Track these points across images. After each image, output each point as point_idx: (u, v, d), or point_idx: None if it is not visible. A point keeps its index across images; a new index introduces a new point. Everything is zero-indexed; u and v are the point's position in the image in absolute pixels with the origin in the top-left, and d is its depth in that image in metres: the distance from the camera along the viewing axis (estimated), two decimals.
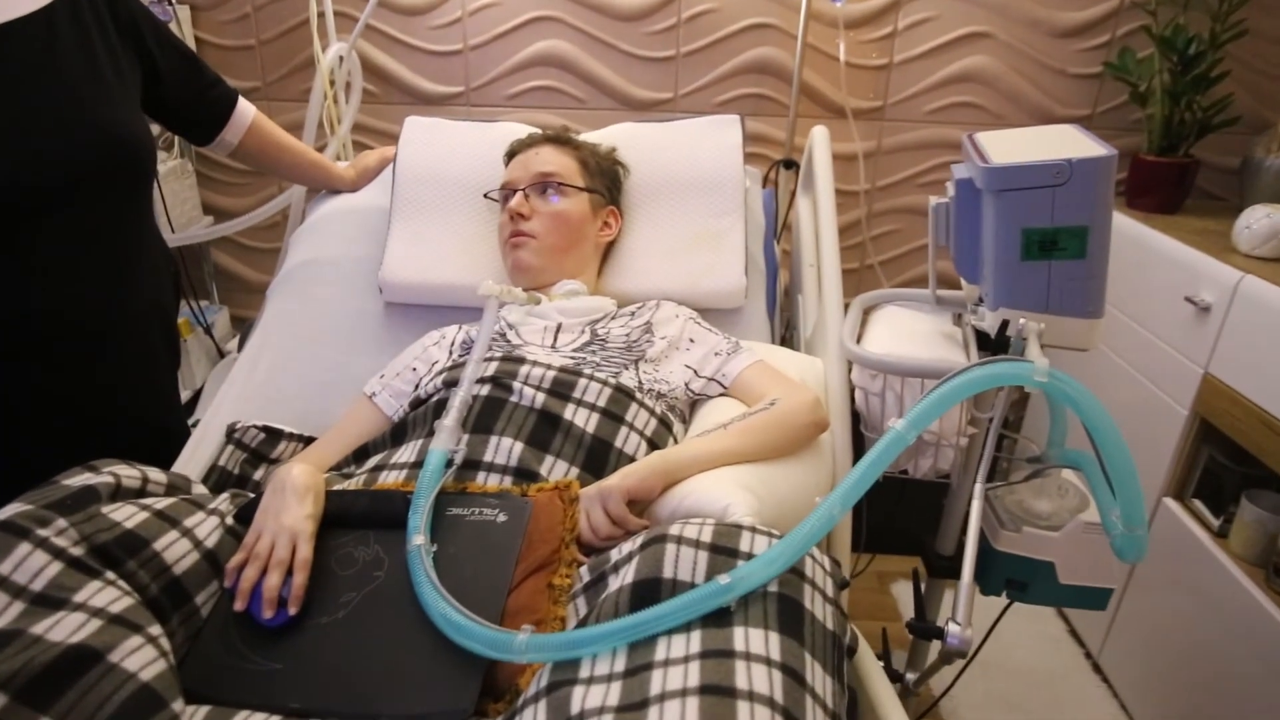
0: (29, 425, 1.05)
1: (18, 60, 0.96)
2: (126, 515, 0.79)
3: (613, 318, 1.14)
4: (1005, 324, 0.91)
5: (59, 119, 0.98)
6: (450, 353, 1.13)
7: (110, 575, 0.74)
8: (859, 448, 1.09)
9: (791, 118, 1.75)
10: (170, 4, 1.77)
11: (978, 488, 0.89)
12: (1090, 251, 0.88)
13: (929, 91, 1.81)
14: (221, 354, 1.96)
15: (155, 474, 0.89)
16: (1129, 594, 1.55)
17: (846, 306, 1.17)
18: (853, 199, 1.88)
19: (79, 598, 0.70)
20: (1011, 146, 0.96)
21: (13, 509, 0.74)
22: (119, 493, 0.83)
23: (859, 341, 1.08)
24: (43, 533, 0.72)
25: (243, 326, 2.02)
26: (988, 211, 0.93)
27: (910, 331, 1.08)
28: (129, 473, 0.86)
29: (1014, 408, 1.89)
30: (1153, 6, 1.61)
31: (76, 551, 0.73)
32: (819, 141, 1.33)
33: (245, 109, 1.26)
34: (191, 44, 1.81)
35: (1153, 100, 1.64)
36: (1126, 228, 1.61)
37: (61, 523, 0.74)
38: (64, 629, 0.67)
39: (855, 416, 1.08)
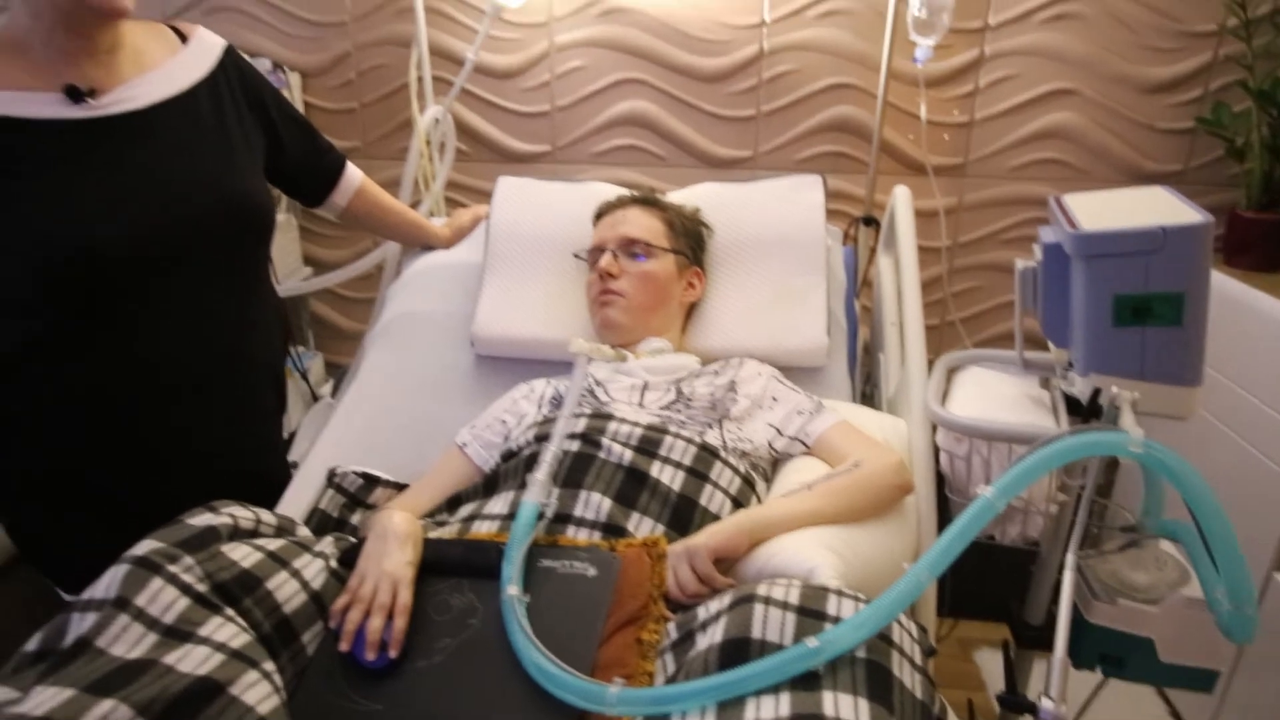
0: (150, 461, 1.13)
1: (167, 133, 1.07)
2: (243, 555, 0.85)
3: (697, 376, 1.17)
4: (1097, 391, 0.90)
5: (196, 185, 1.08)
6: (539, 406, 1.17)
7: (230, 612, 0.79)
8: (944, 511, 1.08)
9: (871, 175, 1.77)
10: (283, 72, 1.92)
11: (1070, 558, 0.87)
12: (1186, 319, 0.86)
13: (1012, 148, 1.80)
14: (316, 398, 2.06)
15: (266, 515, 0.95)
16: (1238, 676, 1.46)
17: (930, 364, 1.17)
18: (933, 255, 1.88)
19: (204, 632, 0.75)
20: (1100, 210, 0.96)
21: (147, 546, 0.80)
22: (236, 533, 0.89)
23: (944, 403, 1.07)
24: (173, 569, 0.78)
25: (336, 372, 2.12)
26: (1077, 277, 0.92)
27: (997, 394, 1.08)
28: (244, 514, 0.92)
29: (1105, 472, 1.83)
30: (1249, 60, 1.59)
31: (201, 588, 0.78)
32: (901, 202, 1.34)
33: (353, 174, 1.36)
34: (300, 107, 1.95)
35: (1250, 155, 1.60)
36: (1225, 287, 1.56)
37: (189, 560, 0.80)
38: (191, 661, 0.72)
39: (940, 479, 1.07)
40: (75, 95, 1.01)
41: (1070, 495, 0.99)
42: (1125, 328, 0.89)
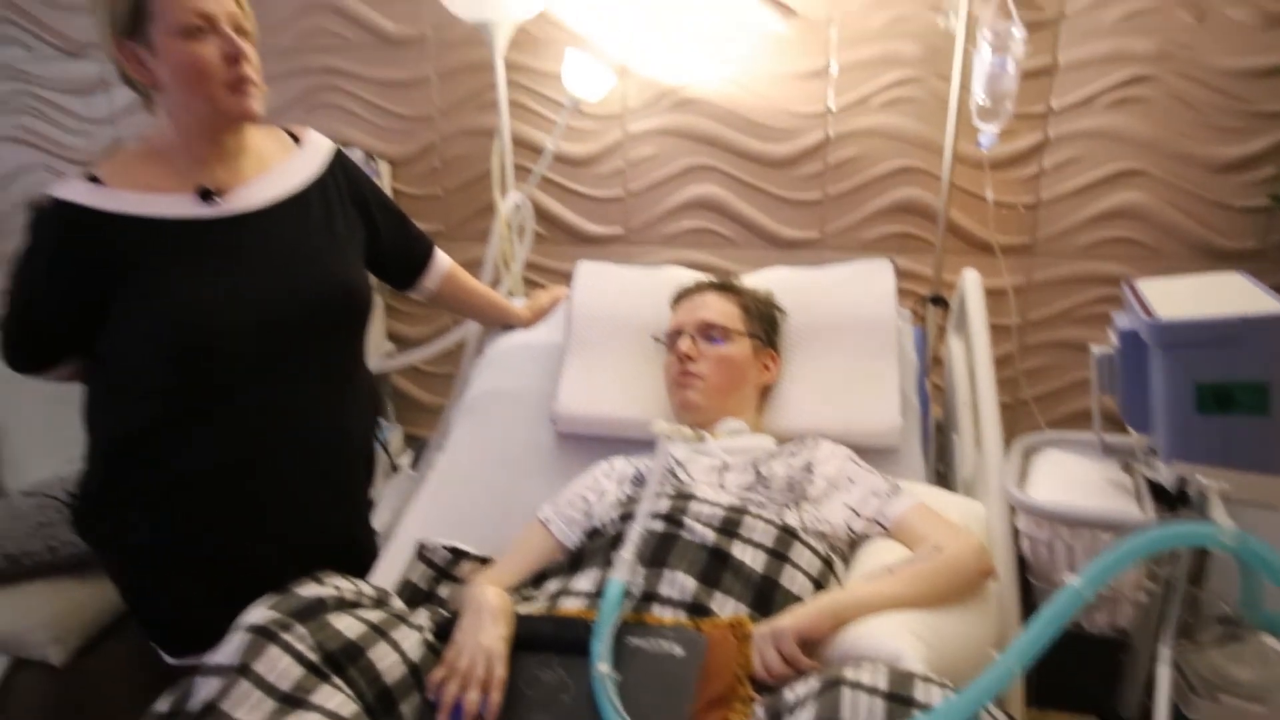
0: (252, 531, 1.21)
1: (282, 230, 1.18)
2: (347, 625, 0.90)
3: (774, 457, 1.20)
4: (1184, 480, 0.90)
5: (306, 277, 1.18)
6: (619, 484, 1.21)
7: (337, 680, 0.84)
8: (1027, 596, 1.07)
9: (938, 255, 1.80)
10: (374, 161, 2.06)
11: (1164, 650, 0.86)
12: (1273, 407, 0.87)
13: (1081, 227, 1.82)
14: (395, 468, 2.13)
15: (365, 587, 1.00)
16: None
17: (1006, 446, 1.17)
18: (1003, 333, 1.89)
19: (316, 699, 0.80)
20: (1176, 297, 0.97)
21: (264, 615, 0.86)
22: (340, 604, 0.94)
23: (1022, 486, 1.08)
24: (287, 638, 0.83)
25: (415, 444, 2.20)
26: (1156, 365, 0.94)
27: (1077, 478, 1.08)
28: (346, 585, 0.97)
29: (1196, 559, 1.78)
30: None
31: (312, 657, 0.83)
32: (972, 286, 1.37)
33: (441, 259, 1.45)
34: (389, 193, 2.08)
35: None
36: None
37: (301, 629, 0.85)
38: None
39: (1022, 564, 1.07)
40: (206, 196, 1.13)
41: (1160, 584, 0.98)
42: (1209, 415, 0.89)
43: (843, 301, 1.37)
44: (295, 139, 1.27)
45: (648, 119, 1.92)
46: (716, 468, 1.17)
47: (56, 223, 1.09)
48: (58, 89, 2.22)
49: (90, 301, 1.11)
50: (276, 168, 1.21)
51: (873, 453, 1.29)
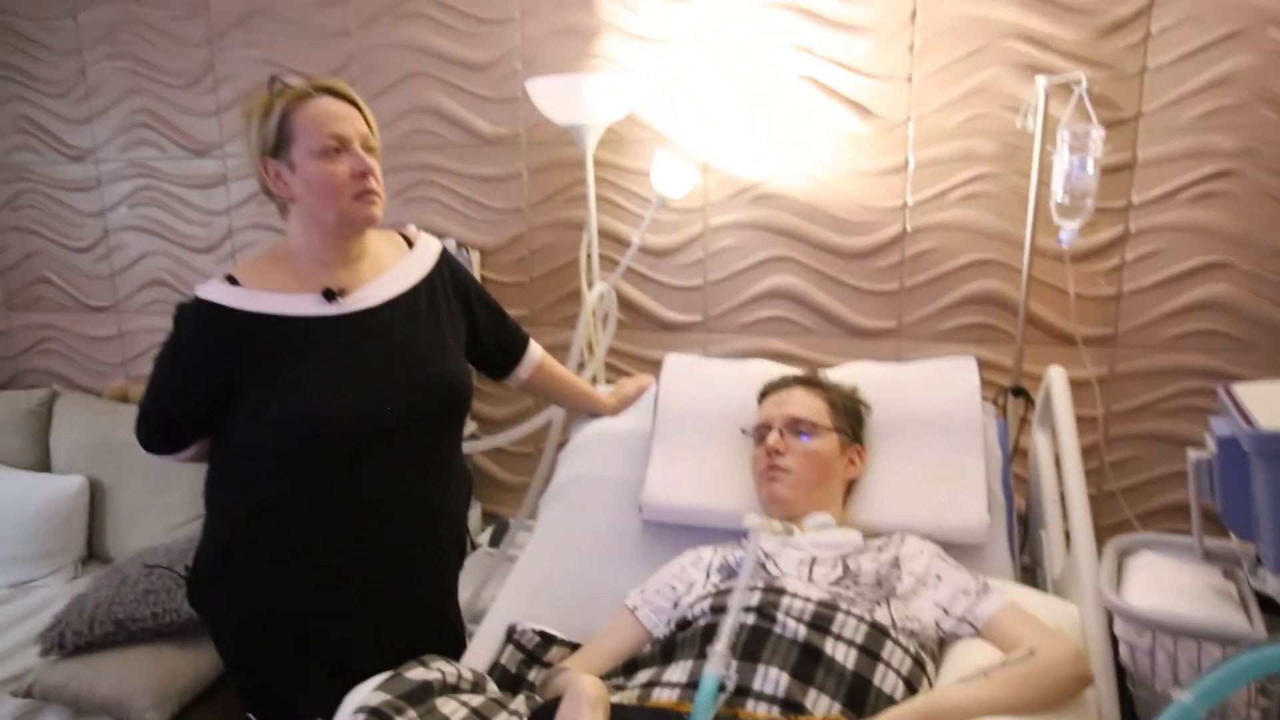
0: (352, 606, 1.27)
1: (394, 327, 1.28)
2: (452, 710, 0.94)
3: (862, 551, 1.21)
4: None
5: (413, 371, 1.28)
6: (707, 574, 1.24)
7: None
8: (1126, 706, 1.04)
9: (1018, 347, 1.80)
10: (465, 250, 2.18)
11: None
12: None
13: (1165, 320, 1.80)
14: (473, 545, 2.18)
15: (464, 671, 1.04)
16: None
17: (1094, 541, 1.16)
18: (1087, 423, 1.86)
19: None
20: (1276, 403, 0.97)
21: (375, 697, 0.91)
22: (444, 687, 0.98)
23: (1118, 589, 1.07)
24: None
25: (492, 521, 2.26)
26: (1259, 474, 0.93)
27: (1177, 584, 1.06)
28: (448, 669, 1.01)
29: None
30: None
31: None
32: (1058, 383, 1.38)
33: (534, 350, 1.54)
34: (478, 280, 2.19)
35: None
36: None
37: (412, 713, 0.90)
38: None
39: (1120, 671, 1.05)
40: (329, 296, 1.24)
41: (1274, 700, 0.95)
42: None
43: (928, 397, 1.39)
44: (408, 242, 1.38)
45: (728, 212, 2.00)
46: (805, 561, 1.19)
47: (198, 319, 1.21)
48: (182, 184, 2.43)
49: (222, 390, 1.22)
50: (391, 269, 1.32)
51: (959, 549, 1.29)
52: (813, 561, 1.19)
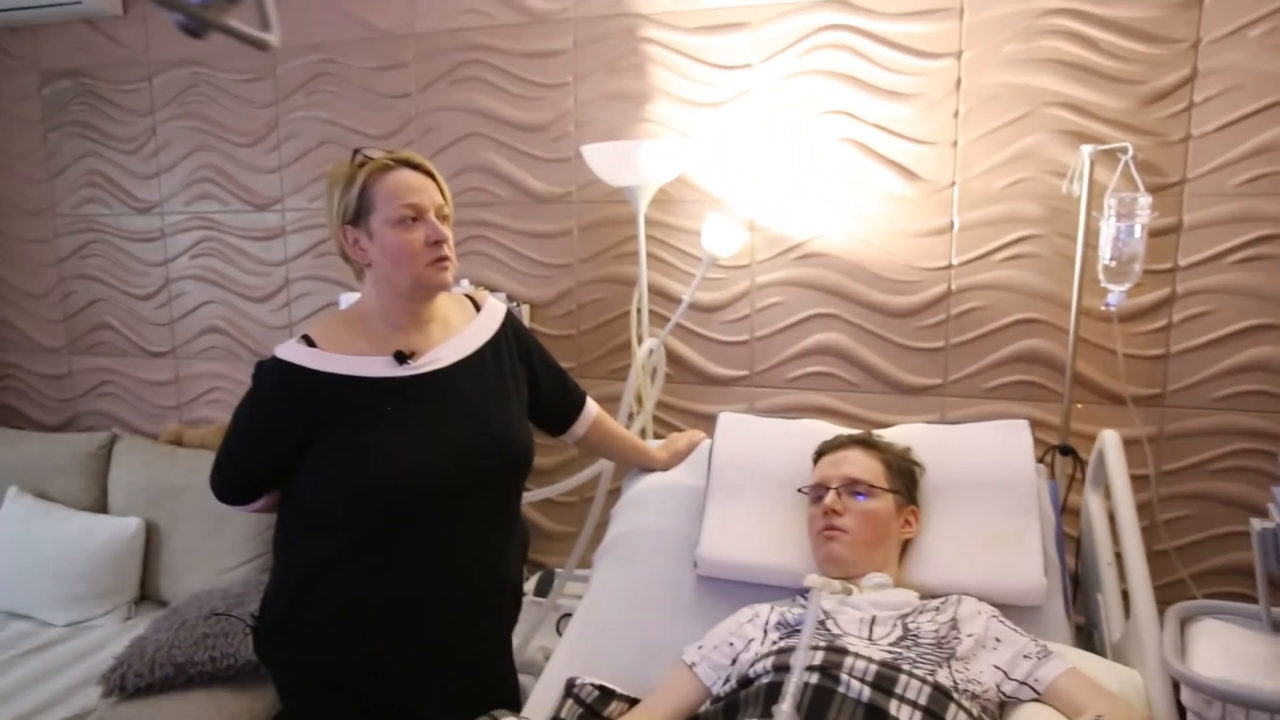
0: (411, 659, 1.30)
1: (460, 388, 1.33)
2: None
3: (920, 612, 1.22)
4: None
5: (477, 431, 1.32)
6: (765, 631, 1.25)
7: None
8: None
9: (1065, 406, 1.81)
10: (516, 304, 2.24)
11: None
12: None
13: (1214, 380, 1.81)
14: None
15: None
16: None
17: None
18: (1138, 482, 1.85)
19: None
20: None
21: None
22: None
23: (1183, 658, 1.07)
24: None
25: (536, 569, 2.28)
26: None
27: (1245, 654, 1.06)
28: None
29: None
30: None
31: None
32: (1112, 447, 1.39)
33: (591, 407, 1.58)
34: None
35: None
36: None
37: None
38: None
39: None
40: (401, 358, 1.29)
41: None
42: None
43: (982, 460, 1.41)
44: (476, 305, 1.44)
45: (775, 270, 2.04)
46: (865, 621, 1.20)
47: (275, 377, 1.27)
48: (242, 236, 2.53)
49: (294, 447, 1.27)
50: (460, 332, 1.37)
51: (1015, 611, 1.30)
52: (872, 621, 1.20)
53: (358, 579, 1.28)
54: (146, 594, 2.34)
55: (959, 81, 1.86)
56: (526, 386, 1.44)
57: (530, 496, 2.07)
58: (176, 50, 2.48)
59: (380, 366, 1.28)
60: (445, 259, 1.28)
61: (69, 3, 2.42)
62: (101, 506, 2.43)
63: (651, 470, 1.68)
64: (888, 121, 1.92)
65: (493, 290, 2.25)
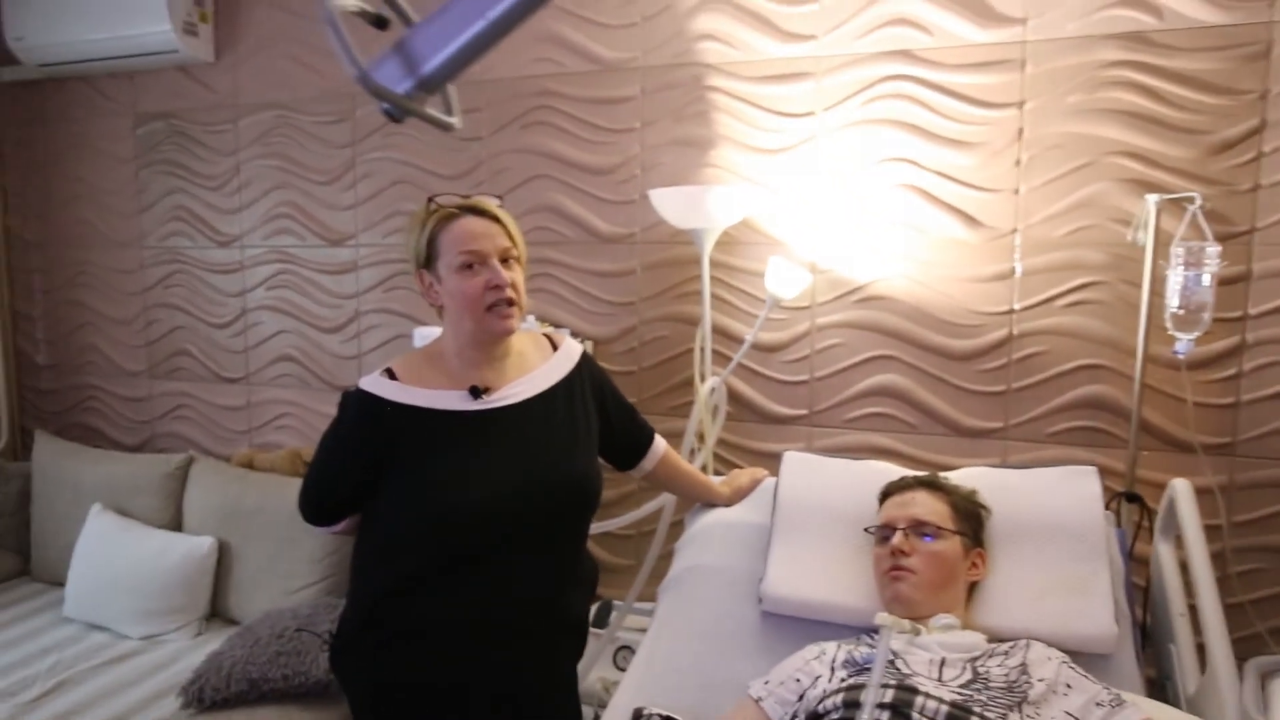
0: (478, 679, 1.34)
1: (530, 425, 1.37)
2: None
3: (989, 655, 1.23)
4: None
5: (546, 467, 1.36)
6: (832, 669, 1.27)
7: None
8: None
9: (1131, 453, 1.80)
10: (580, 340, 2.30)
11: None
12: None
13: None
14: None
15: None
16: None
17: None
18: (1210, 532, 1.80)
19: None
20: None
21: None
22: None
23: (1265, 714, 1.06)
24: None
25: (596, 600, 2.31)
26: None
27: None
28: None
29: None
30: None
31: None
32: (1184, 497, 1.39)
33: (659, 444, 1.61)
34: None
35: None
36: None
37: None
38: None
39: None
40: (475, 393, 1.34)
41: None
42: None
43: (1049, 504, 1.41)
44: (554, 346, 1.49)
45: (835, 312, 2.08)
46: (934, 662, 1.21)
47: (357, 407, 1.34)
48: (317, 269, 2.64)
49: (371, 473, 1.33)
50: (534, 370, 1.41)
51: (1084, 658, 1.29)
52: (942, 662, 1.21)
53: (422, 606, 1.32)
54: (216, 611, 2.42)
55: (1021, 131, 1.89)
56: (598, 425, 1.48)
57: (591, 530, 2.11)
58: (263, 95, 2.62)
59: (455, 400, 1.33)
60: (506, 303, 1.31)
61: (166, 51, 2.59)
62: (177, 525, 2.53)
63: (714, 506, 1.71)
64: (949, 169, 1.95)
65: (557, 326, 2.32)
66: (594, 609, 2.22)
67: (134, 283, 2.90)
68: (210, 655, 1.92)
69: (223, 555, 2.41)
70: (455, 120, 0.77)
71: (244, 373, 2.79)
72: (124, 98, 2.82)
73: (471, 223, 1.31)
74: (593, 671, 1.95)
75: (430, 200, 1.34)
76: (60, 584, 2.53)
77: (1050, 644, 1.27)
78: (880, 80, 1.99)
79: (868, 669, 1.19)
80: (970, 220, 1.95)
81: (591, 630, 2.13)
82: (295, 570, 2.32)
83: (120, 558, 2.39)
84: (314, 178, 2.60)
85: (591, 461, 1.45)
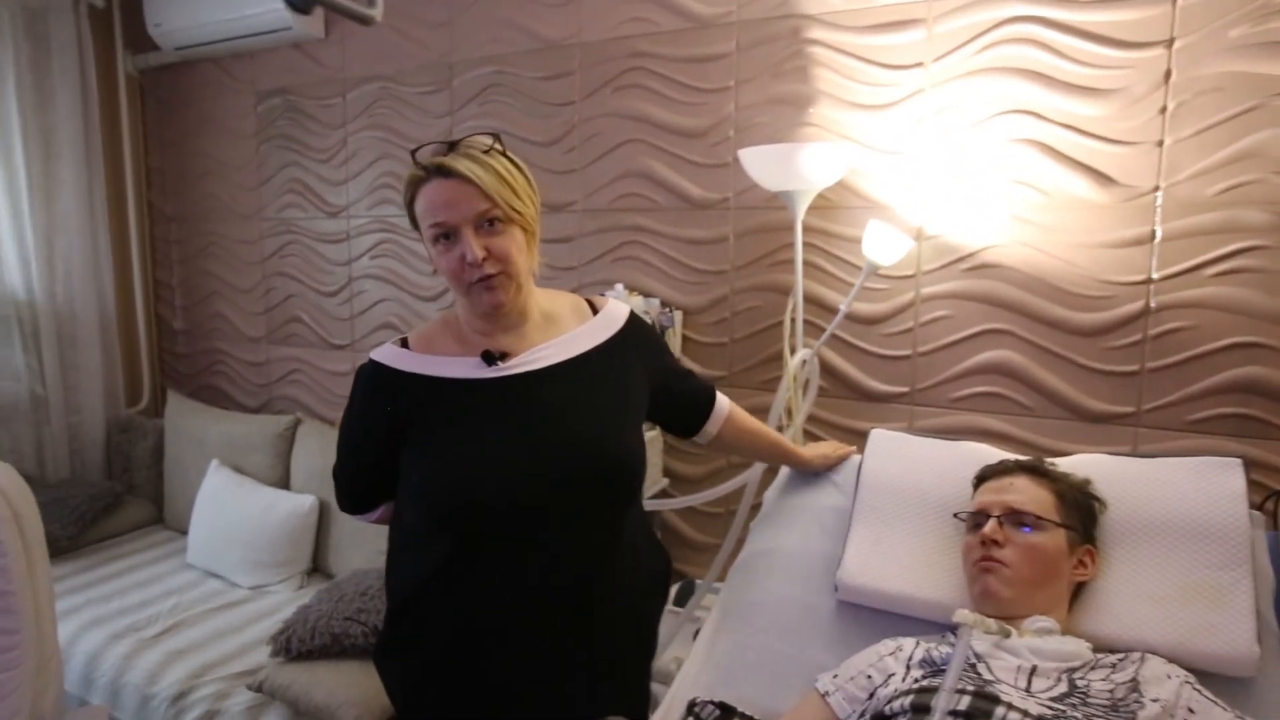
0: (513, 686, 1.20)
1: (556, 390, 1.20)
2: None
3: (1092, 667, 1.07)
4: None
5: (571, 438, 1.18)
6: (907, 667, 1.14)
7: None
8: None
9: None
10: (669, 309, 2.22)
11: None
12: None
13: None
14: None
15: None
16: None
17: None
18: None
19: None
20: None
21: None
22: None
23: None
24: None
25: (679, 579, 2.24)
26: None
27: None
28: None
29: None
30: None
31: None
32: None
33: (722, 403, 1.43)
34: (679, 339, 2.23)
35: None
36: None
37: None
38: None
39: None
40: (489, 360, 1.18)
41: None
42: None
43: (1179, 499, 1.22)
44: (595, 310, 1.30)
45: (942, 282, 1.90)
46: (1023, 669, 1.07)
47: (366, 379, 1.22)
48: (416, 238, 2.65)
49: (387, 451, 1.19)
50: (565, 334, 1.23)
51: (1216, 680, 1.11)
52: (1032, 671, 1.06)
53: (442, 604, 1.18)
54: (318, 566, 2.52)
55: (1168, 73, 1.65)
56: (646, 389, 1.30)
57: (671, 504, 2.04)
58: (369, 67, 2.68)
59: (466, 368, 1.18)
60: (489, 278, 1.13)
61: (281, 29, 2.69)
62: (285, 483, 2.66)
63: (792, 480, 1.59)
64: (1078, 121, 1.73)
65: (646, 295, 2.25)
66: (677, 587, 2.16)
67: (254, 253, 3.05)
68: (300, 608, 1.99)
69: (323, 513, 2.51)
70: (375, 13, 0.69)
71: (349, 340, 2.88)
72: (246, 76, 2.96)
73: (438, 188, 1.11)
74: (669, 650, 1.89)
75: (414, 154, 1.15)
76: (185, 532, 2.71)
77: (1172, 659, 1.10)
78: (1001, 23, 1.78)
79: (944, 670, 1.06)
80: (1101, 178, 1.73)
81: (672, 608, 2.08)
82: (385, 532, 2.37)
83: (233, 511, 2.53)
84: (414, 147, 2.62)
85: (627, 433, 1.24)
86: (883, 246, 1.76)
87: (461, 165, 1.10)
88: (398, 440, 1.18)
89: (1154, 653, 1.11)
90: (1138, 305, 1.73)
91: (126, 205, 3.19)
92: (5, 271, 2.80)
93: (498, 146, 1.16)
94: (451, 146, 1.14)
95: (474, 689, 1.20)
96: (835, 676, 1.20)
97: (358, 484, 1.29)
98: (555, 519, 1.16)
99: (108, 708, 2.03)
